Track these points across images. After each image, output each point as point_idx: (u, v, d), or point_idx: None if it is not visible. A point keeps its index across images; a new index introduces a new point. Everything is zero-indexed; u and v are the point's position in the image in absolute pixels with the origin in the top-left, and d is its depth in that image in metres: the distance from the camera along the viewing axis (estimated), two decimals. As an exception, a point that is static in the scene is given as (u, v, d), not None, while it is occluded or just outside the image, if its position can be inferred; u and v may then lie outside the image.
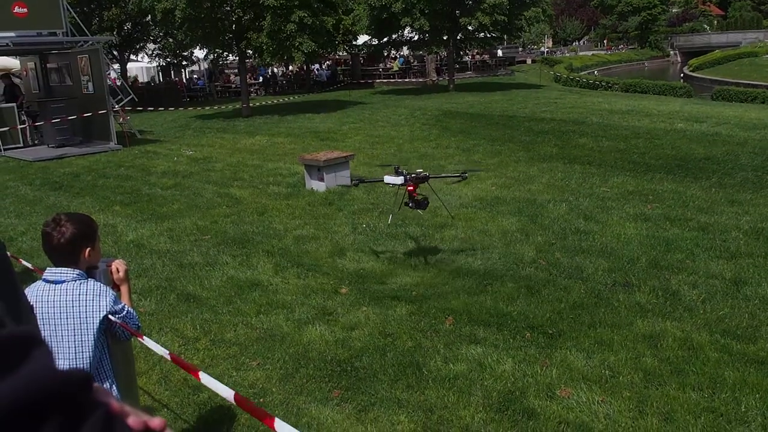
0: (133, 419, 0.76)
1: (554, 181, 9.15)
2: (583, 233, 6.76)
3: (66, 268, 2.67)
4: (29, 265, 4.92)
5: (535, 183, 9.10)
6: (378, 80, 32.88)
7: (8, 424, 0.62)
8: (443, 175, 6.35)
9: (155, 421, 0.79)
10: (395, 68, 33.39)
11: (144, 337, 2.72)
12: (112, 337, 2.73)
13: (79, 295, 2.66)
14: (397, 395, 3.94)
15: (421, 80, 31.74)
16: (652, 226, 6.89)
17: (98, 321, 2.68)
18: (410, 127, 15.19)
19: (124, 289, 2.91)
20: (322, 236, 7.15)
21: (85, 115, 14.79)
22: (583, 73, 37.06)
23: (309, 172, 9.55)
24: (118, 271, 2.92)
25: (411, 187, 5.64)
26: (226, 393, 2.07)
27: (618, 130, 13.17)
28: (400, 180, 5.59)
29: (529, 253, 6.24)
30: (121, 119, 16.32)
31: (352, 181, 5.94)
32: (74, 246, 2.61)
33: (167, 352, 2.60)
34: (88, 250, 2.67)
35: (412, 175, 5.68)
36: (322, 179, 9.42)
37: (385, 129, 15.20)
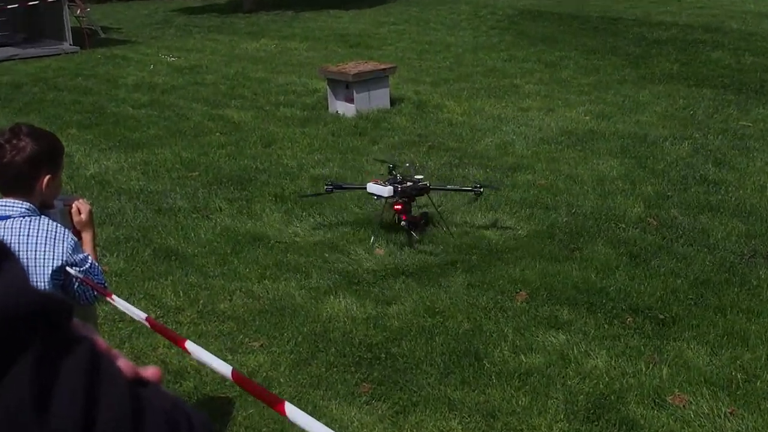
0: (124, 362, 0.79)
1: (673, 111, 8.99)
2: (712, 184, 6.67)
3: (13, 199, 2.68)
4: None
5: (645, 112, 8.95)
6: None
7: None
8: (449, 187, 6.38)
9: (149, 370, 0.82)
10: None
11: (114, 296, 2.77)
12: (68, 298, 2.78)
13: (28, 236, 2.68)
14: (448, 394, 3.98)
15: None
16: (810, 176, 6.77)
17: (50, 272, 2.71)
18: (473, 32, 15.00)
19: (87, 236, 2.95)
20: (349, 177, 7.17)
21: (31, 3, 14.90)
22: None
23: (333, 90, 9.54)
24: (79, 213, 2.96)
25: (398, 206, 5.65)
26: (222, 368, 2.10)
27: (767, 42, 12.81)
28: (387, 191, 5.60)
29: (635, 209, 6.20)
30: (78, 11, 16.40)
31: (325, 186, 5.99)
32: (32, 168, 2.60)
33: (144, 316, 2.65)
34: (47, 178, 2.68)
35: (407, 185, 5.69)
36: (351, 100, 9.39)
37: (438, 33, 15.04)
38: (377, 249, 5.67)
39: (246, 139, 8.51)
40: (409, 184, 5.75)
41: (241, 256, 5.65)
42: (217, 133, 8.78)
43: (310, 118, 9.30)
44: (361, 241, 5.82)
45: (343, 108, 9.45)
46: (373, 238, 5.77)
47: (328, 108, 9.60)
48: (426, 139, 8.27)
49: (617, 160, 7.37)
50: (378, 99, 9.46)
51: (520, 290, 4.98)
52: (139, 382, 0.79)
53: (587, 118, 8.82)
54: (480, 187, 5.87)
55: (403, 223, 5.69)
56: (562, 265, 5.29)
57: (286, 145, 8.26)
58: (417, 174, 6.00)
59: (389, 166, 5.97)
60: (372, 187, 5.74)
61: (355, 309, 4.84)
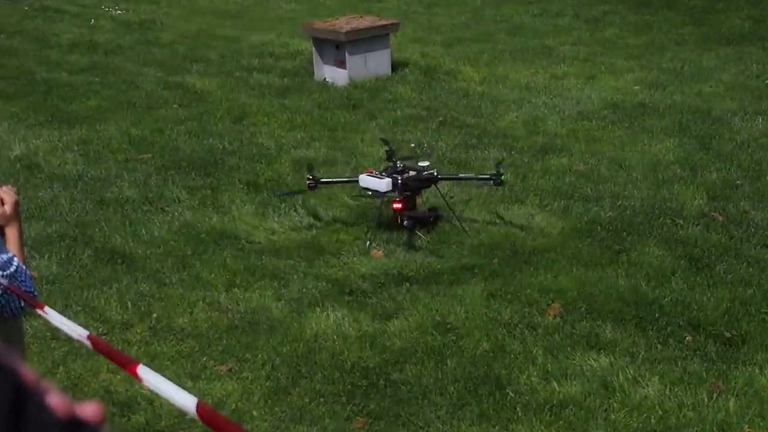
0: (57, 399, 0.77)
1: (744, 79, 9.00)
2: (793, 170, 6.67)
3: None
4: None
5: (710, 81, 8.96)
6: None
7: None
8: (463, 175, 6.39)
9: (89, 408, 0.81)
10: None
11: (46, 308, 2.77)
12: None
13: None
14: (463, 430, 3.99)
15: None
16: None
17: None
18: (495, -21, 15.00)
19: (11, 232, 2.96)
20: (341, 160, 7.17)
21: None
22: None
23: (321, 52, 9.53)
24: (2, 204, 2.96)
25: (398, 205, 5.65)
26: (184, 400, 2.10)
27: None
28: (384, 185, 5.59)
29: (696, 201, 6.21)
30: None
31: (306, 181, 5.93)
32: None
33: (84, 333, 2.65)
34: None
35: (410, 175, 5.69)
36: (342, 64, 9.38)
37: (451, -19, 15.03)
38: (375, 250, 5.68)
39: (211, 112, 8.49)
40: (412, 173, 5.76)
41: (204, 259, 5.65)
42: (175, 105, 8.77)
43: (291, 87, 9.29)
44: (354, 240, 5.83)
45: (332, 74, 9.44)
46: (369, 236, 5.78)
47: (313, 74, 9.58)
48: (436, 114, 8.26)
49: (674, 140, 7.37)
50: (376, 63, 9.45)
51: (553, 302, 4.98)
52: (76, 423, 0.78)
53: (637, 87, 8.81)
54: (501, 175, 5.88)
55: (406, 223, 5.71)
56: (605, 271, 5.30)
57: (260, 120, 8.25)
58: (422, 158, 6.01)
59: (386, 150, 5.96)
60: (366, 181, 5.75)
61: (347, 324, 4.84)
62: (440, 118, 8.12)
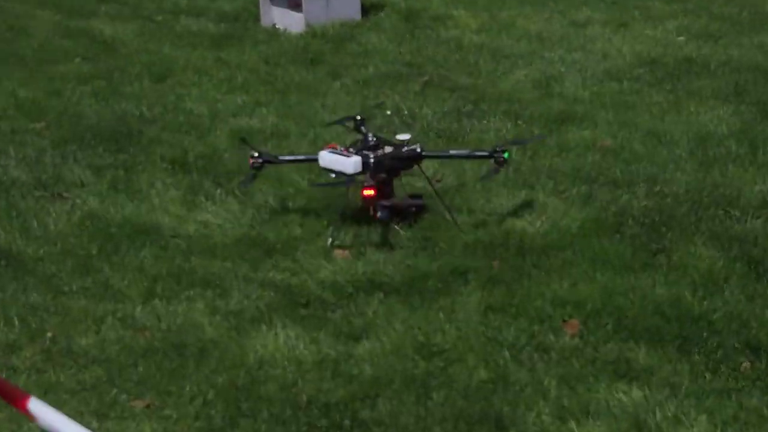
0: None
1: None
2: None
3: None
4: None
5: (775, 30, 8.99)
6: None
7: None
8: (455, 151, 6.41)
9: None
10: None
11: None
12: None
13: None
14: (452, 484, 3.99)
15: None
16: None
17: None
18: None
19: None
20: (294, 131, 7.17)
21: None
22: None
23: (268, -10, 9.52)
24: None
25: (370, 191, 5.67)
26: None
27: None
28: (352, 164, 5.61)
29: (756, 187, 6.24)
30: None
31: (250, 160, 5.99)
32: None
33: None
34: None
35: (385, 152, 5.73)
36: (297, 5, 9.36)
37: None
38: (339, 250, 5.68)
39: (124, 68, 8.46)
40: (388, 150, 5.76)
41: (115, 261, 5.63)
42: (77, 59, 8.74)
43: (230, 36, 9.27)
44: (312, 236, 5.82)
45: (284, 19, 9.43)
46: (332, 232, 5.77)
47: (259, 19, 9.56)
48: (420, 72, 8.26)
49: (729, 107, 7.40)
50: (342, 4, 9.44)
51: (570, 317, 4.97)
52: None
53: (681, 38, 8.84)
54: (504, 151, 5.88)
55: (380, 214, 5.70)
56: (638, 277, 5.29)
57: (189, 79, 8.22)
58: (402, 131, 6.00)
59: (356, 119, 5.95)
60: (327, 159, 5.73)
61: (302, 347, 4.83)
62: (425, 78, 8.12)
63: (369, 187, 5.67)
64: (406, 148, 5.79)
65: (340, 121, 6.46)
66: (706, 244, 5.61)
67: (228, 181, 6.39)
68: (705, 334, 4.80)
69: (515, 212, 6.05)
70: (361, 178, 5.71)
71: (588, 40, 8.80)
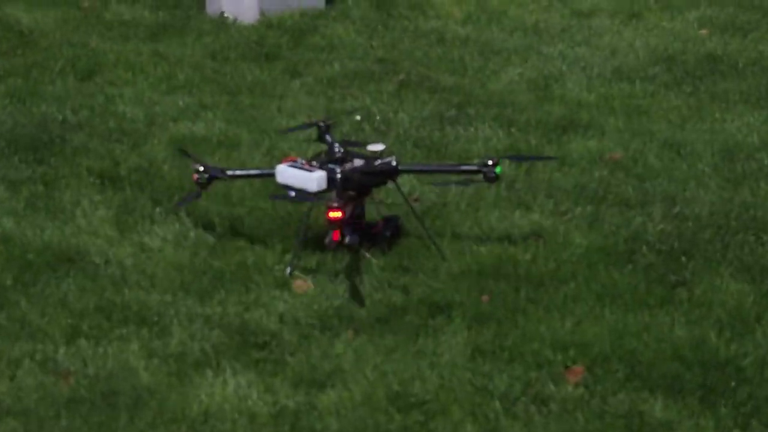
0: None
1: None
2: None
3: None
4: None
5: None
6: None
7: None
8: (436, 166, 6.48)
9: None
10: None
11: None
12: None
13: None
14: None
15: None
16: None
17: None
18: None
19: None
20: (245, 139, 7.18)
21: None
22: None
23: (215, -29, 9.53)
24: None
25: (337, 212, 5.67)
26: None
27: None
28: (315, 181, 5.62)
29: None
30: None
31: (194, 176, 5.97)
32: None
33: None
34: None
35: (354, 165, 5.76)
36: (249, -10, 9.38)
37: None
38: (299, 281, 5.67)
39: (45, 64, 8.45)
40: (358, 163, 5.76)
41: (33, 293, 5.59)
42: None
43: (169, 26, 9.26)
44: (268, 264, 5.81)
45: (234, 7, 9.44)
46: (291, 259, 5.76)
47: (204, 6, 9.56)
48: (395, 70, 8.27)
49: (761, 113, 7.44)
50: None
51: (574, 362, 4.97)
52: None
53: (704, 32, 8.87)
54: (495, 165, 5.89)
55: (348, 239, 5.70)
56: (654, 315, 5.30)
57: (122, 76, 8.21)
58: (374, 141, 6.00)
59: (319, 126, 5.94)
60: (286, 174, 5.72)
61: (255, 396, 4.80)
62: (401, 76, 8.14)
63: (335, 208, 5.65)
64: (379, 161, 5.79)
65: (300, 128, 6.46)
66: (735, 275, 5.62)
67: (168, 199, 6.37)
68: (733, 382, 4.81)
69: (508, 237, 6.05)
70: (325, 196, 5.69)
71: (594, 33, 8.82)
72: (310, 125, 6.21)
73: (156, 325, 5.32)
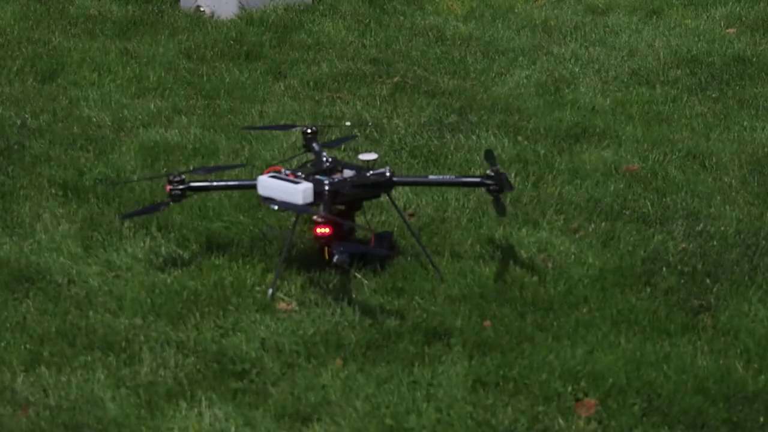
0: None
1: None
2: None
3: None
4: None
5: None
6: None
7: None
8: (434, 177, 6.44)
9: None
10: None
11: None
12: None
13: None
14: None
15: None
16: None
17: None
18: None
19: None
20: (224, 146, 7.19)
21: None
22: None
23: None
24: None
25: (325, 228, 5.64)
26: None
27: None
28: (301, 194, 5.62)
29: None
30: None
31: (168, 186, 5.93)
32: None
33: None
34: None
35: (344, 177, 5.78)
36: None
37: None
38: (283, 303, 5.67)
39: (2, 64, 8.45)
40: (348, 174, 5.77)
41: (-11, 315, 5.62)
42: (-60, 50, 8.73)
43: (139, 22, 9.27)
44: (249, 284, 5.82)
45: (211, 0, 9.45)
46: (274, 279, 5.78)
47: (179, -1, 9.59)
48: (389, 71, 8.28)
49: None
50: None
51: (585, 395, 4.98)
52: None
53: (731, 31, 8.89)
54: (501, 176, 5.87)
55: (337, 258, 5.69)
56: (675, 344, 5.31)
57: (87, 77, 8.22)
58: (366, 150, 6.01)
59: (305, 131, 5.94)
60: (269, 186, 5.73)
61: (233, 430, 4.80)
62: (396, 78, 8.15)
63: (323, 224, 5.64)
64: (371, 172, 5.80)
65: (270, 128, 6.46)
66: (764, 300, 5.63)
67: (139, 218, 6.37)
68: (761, 418, 4.83)
69: (513, 256, 6.06)
70: (311, 210, 5.70)
71: (610, 32, 8.84)
72: (285, 127, 6.19)
73: (124, 352, 5.32)
